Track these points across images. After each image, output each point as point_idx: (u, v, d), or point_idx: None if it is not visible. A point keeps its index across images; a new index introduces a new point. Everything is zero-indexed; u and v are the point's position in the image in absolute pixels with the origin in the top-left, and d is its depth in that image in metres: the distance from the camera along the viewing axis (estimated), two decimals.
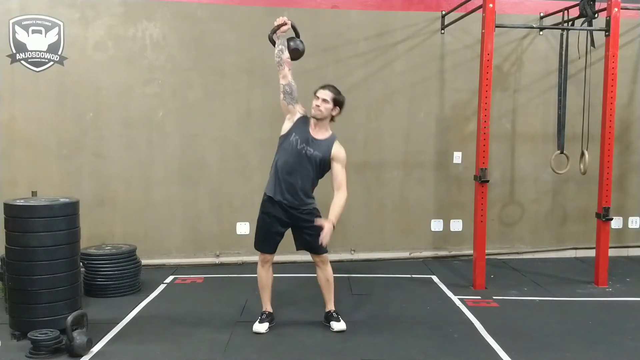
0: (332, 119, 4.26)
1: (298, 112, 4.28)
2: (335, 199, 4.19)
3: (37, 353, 3.83)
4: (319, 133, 4.22)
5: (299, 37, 4.35)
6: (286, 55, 4.27)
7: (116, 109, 6.05)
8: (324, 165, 4.23)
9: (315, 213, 4.29)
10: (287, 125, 4.29)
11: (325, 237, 4.06)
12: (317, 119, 4.21)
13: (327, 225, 4.06)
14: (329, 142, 4.22)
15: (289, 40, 4.31)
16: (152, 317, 4.67)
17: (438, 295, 5.29)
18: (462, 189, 6.49)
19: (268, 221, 4.28)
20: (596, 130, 5.80)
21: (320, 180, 4.34)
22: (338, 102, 4.20)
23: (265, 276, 4.40)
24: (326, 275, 4.43)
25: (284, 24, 4.24)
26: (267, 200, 4.28)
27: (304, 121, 4.25)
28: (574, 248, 6.78)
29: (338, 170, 4.22)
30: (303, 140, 4.17)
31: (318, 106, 4.17)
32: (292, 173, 4.18)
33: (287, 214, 4.24)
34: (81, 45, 5.94)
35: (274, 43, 4.31)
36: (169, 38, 6.08)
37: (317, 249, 4.32)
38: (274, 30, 4.26)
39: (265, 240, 4.32)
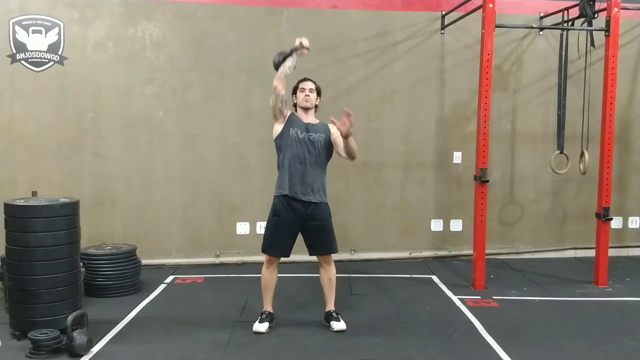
0: (316, 109, 4.47)
1: (287, 112, 4.38)
2: None
3: (37, 353, 3.83)
4: (312, 120, 4.40)
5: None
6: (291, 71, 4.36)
7: (116, 109, 6.05)
8: (328, 146, 4.34)
9: (326, 210, 4.35)
10: (278, 127, 4.37)
11: (343, 123, 4.01)
12: (307, 109, 4.38)
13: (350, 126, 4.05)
14: (325, 124, 4.38)
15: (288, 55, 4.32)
16: (152, 317, 4.67)
17: (438, 295, 5.29)
18: (462, 189, 6.49)
19: (279, 223, 4.29)
20: (596, 130, 5.80)
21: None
22: (319, 91, 4.47)
23: (269, 277, 4.41)
24: (329, 275, 4.45)
25: (308, 48, 4.28)
26: (279, 202, 4.30)
27: (293, 117, 4.38)
28: (574, 248, 6.78)
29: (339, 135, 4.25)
30: (302, 130, 4.30)
31: (307, 96, 4.37)
32: (302, 162, 4.25)
33: (299, 212, 4.25)
34: (81, 45, 5.95)
35: (283, 60, 4.25)
36: (169, 38, 6.08)
37: (323, 249, 4.37)
38: (297, 49, 4.24)
39: (275, 243, 4.33)
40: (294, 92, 4.43)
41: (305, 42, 4.25)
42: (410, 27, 6.38)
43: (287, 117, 4.34)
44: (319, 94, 4.44)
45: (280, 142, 4.34)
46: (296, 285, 5.43)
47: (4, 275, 4.25)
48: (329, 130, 4.35)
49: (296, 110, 4.43)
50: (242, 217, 6.29)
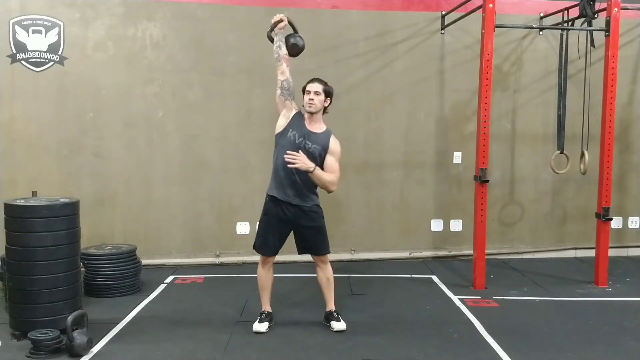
0: (325, 110, 4.31)
1: (294, 108, 4.30)
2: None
3: (37, 353, 3.83)
4: (315, 127, 4.25)
5: (297, 33, 4.37)
6: (284, 51, 4.31)
7: (116, 109, 6.05)
8: (323, 159, 4.21)
9: (318, 212, 4.32)
10: (282, 122, 4.29)
11: (298, 160, 3.95)
12: (312, 113, 4.23)
13: (308, 162, 4.01)
14: (326, 136, 4.25)
15: (288, 36, 4.35)
16: (152, 317, 4.67)
17: (438, 295, 5.29)
18: (462, 189, 6.49)
19: (269, 222, 4.28)
20: (596, 130, 5.80)
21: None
22: (328, 93, 4.25)
23: (265, 277, 4.41)
24: (326, 274, 4.44)
25: (281, 20, 4.28)
26: (269, 201, 4.29)
27: (299, 117, 4.27)
28: (574, 248, 6.78)
29: (330, 161, 4.20)
30: (301, 135, 4.19)
31: (312, 99, 4.20)
32: (294, 169, 4.13)
33: (289, 213, 4.24)
34: (81, 45, 5.95)
35: (272, 40, 4.34)
36: (169, 38, 6.08)
37: (318, 249, 4.36)
38: (272, 28, 4.30)
39: (265, 242, 4.31)
40: (302, 91, 4.28)
41: (275, 18, 4.22)
42: (410, 27, 6.38)
43: (292, 115, 4.25)
44: (327, 95, 4.22)
45: (278, 140, 4.27)
46: (296, 285, 5.43)
47: (4, 275, 4.26)
48: (328, 144, 4.20)
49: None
50: (242, 217, 6.29)
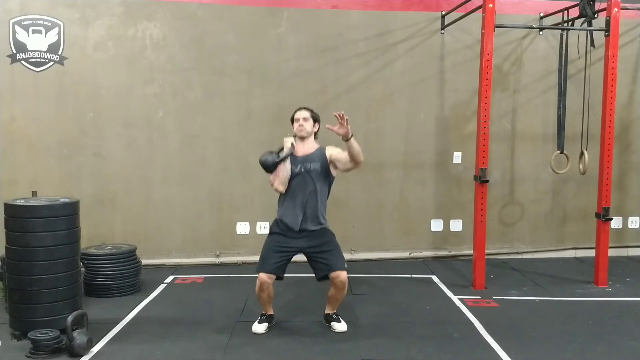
0: (316, 135, 4.37)
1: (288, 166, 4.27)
2: None
3: (37, 353, 3.83)
4: (308, 149, 4.30)
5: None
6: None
7: (116, 109, 6.05)
8: (326, 172, 4.26)
9: (327, 235, 4.30)
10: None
11: (341, 126, 3.93)
12: (303, 138, 4.29)
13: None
14: (321, 150, 4.29)
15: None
16: (152, 317, 4.67)
17: (438, 295, 5.29)
18: (462, 189, 6.49)
19: (273, 240, 4.26)
20: (596, 130, 5.80)
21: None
22: (316, 119, 4.36)
23: (264, 295, 4.29)
24: (338, 296, 4.33)
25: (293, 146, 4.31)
26: (276, 223, 4.29)
27: (290, 158, 4.28)
28: (574, 248, 6.78)
29: (341, 151, 4.23)
30: (296, 164, 4.23)
31: (301, 125, 4.28)
32: (303, 195, 4.20)
33: (301, 240, 4.22)
34: (81, 45, 5.95)
35: (280, 161, 4.25)
36: (169, 38, 6.09)
37: (335, 266, 4.20)
38: (291, 152, 4.26)
39: (267, 258, 4.21)
40: (292, 121, 4.36)
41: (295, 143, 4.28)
42: (410, 27, 6.38)
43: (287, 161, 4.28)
44: (316, 121, 4.33)
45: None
46: (296, 285, 5.42)
47: (4, 275, 4.26)
48: (325, 155, 4.26)
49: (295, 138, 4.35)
50: (242, 217, 6.29)
